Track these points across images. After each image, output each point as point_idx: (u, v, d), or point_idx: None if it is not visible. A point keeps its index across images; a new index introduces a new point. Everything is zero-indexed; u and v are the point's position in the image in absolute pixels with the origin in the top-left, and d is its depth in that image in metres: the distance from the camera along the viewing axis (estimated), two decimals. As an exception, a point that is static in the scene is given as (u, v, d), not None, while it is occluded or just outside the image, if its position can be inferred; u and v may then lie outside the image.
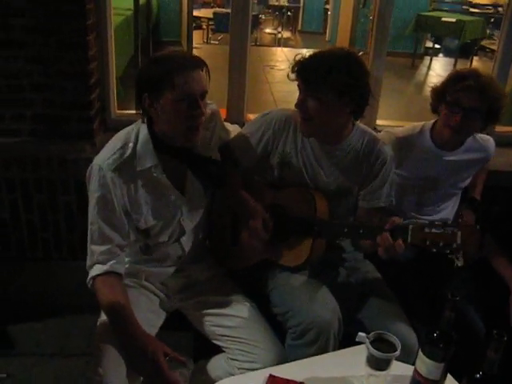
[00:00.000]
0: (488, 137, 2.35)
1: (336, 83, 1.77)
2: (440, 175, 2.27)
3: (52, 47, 2.42)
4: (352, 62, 1.82)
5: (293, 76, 1.87)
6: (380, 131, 2.51)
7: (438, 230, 1.59)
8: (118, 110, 2.84)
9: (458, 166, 2.27)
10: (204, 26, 10.02)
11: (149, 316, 1.88)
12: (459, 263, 1.59)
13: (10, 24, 2.37)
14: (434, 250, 1.60)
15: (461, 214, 2.33)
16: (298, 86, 1.87)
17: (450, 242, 1.57)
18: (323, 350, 1.76)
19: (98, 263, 1.78)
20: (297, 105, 1.88)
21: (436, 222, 1.62)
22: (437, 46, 9.73)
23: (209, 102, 1.86)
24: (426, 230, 1.61)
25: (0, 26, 2.37)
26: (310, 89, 1.82)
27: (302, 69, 1.84)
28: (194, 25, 9.03)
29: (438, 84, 2.18)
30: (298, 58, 1.87)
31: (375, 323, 1.85)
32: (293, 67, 1.87)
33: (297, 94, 1.90)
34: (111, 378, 1.61)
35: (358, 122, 2.01)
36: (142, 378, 1.69)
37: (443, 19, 8.31)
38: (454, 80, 2.11)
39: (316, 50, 1.90)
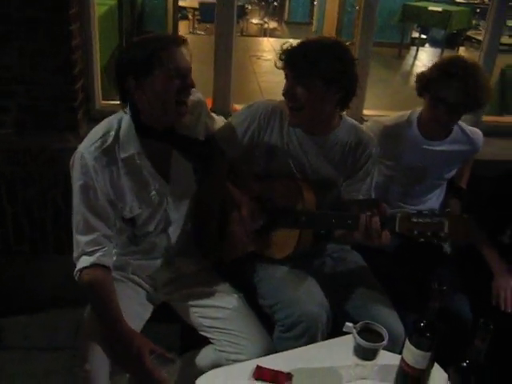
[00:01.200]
0: (476, 129, 2.36)
1: (324, 70, 1.77)
2: (427, 166, 2.28)
3: (34, 38, 2.38)
4: (340, 50, 1.83)
5: (280, 64, 1.86)
6: (367, 121, 2.52)
7: (426, 220, 1.60)
8: (103, 100, 2.81)
9: (445, 157, 2.28)
10: (190, 17, 9.97)
11: (136, 309, 1.87)
12: (447, 250, 1.60)
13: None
14: (422, 240, 1.61)
15: (447, 204, 2.35)
16: (286, 74, 1.86)
17: (437, 231, 1.58)
18: (311, 343, 1.75)
19: (85, 254, 1.76)
20: (285, 93, 1.87)
21: (423, 212, 1.62)
22: (423, 36, 9.75)
23: (194, 90, 1.85)
24: (414, 219, 1.62)
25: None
26: (298, 76, 1.81)
27: (290, 56, 1.83)
28: (179, 15, 9.03)
29: (425, 72, 2.18)
30: (285, 46, 1.86)
31: (362, 313, 1.86)
32: (280, 55, 1.86)
33: (283, 84, 1.89)
34: (98, 373, 1.60)
35: (344, 113, 2.02)
36: (127, 375, 1.68)
37: (430, 8, 8.32)
38: (438, 74, 2.10)
39: (304, 39, 1.89)
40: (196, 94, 1.95)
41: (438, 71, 2.11)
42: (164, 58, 1.70)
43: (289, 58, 1.84)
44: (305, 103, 1.83)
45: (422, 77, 2.18)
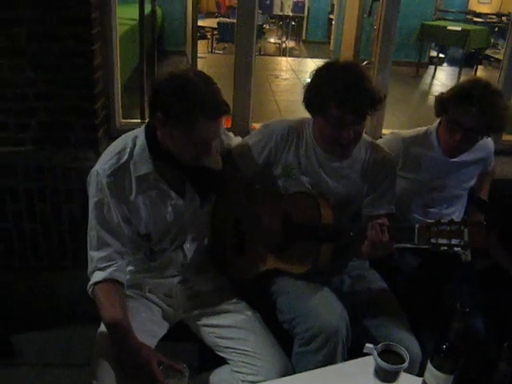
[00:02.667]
0: (488, 138, 2.34)
1: (371, 99, 1.81)
2: (445, 176, 2.29)
3: (57, 56, 2.42)
4: (367, 78, 1.86)
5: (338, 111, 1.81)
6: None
7: (445, 228, 1.59)
8: (123, 119, 2.84)
9: (462, 166, 2.30)
10: (208, 36, 10.06)
11: (149, 327, 1.86)
12: (467, 258, 1.59)
13: (15, 32, 2.37)
14: (442, 249, 1.60)
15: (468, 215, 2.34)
16: (338, 118, 1.82)
17: (457, 239, 1.57)
18: (331, 357, 1.75)
19: (98, 270, 1.78)
20: (345, 138, 1.85)
21: (442, 221, 1.61)
22: (441, 55, 9.74)
23: None
24: (433, 228, 1.61)
25: (5, 35, 2.37)
26: (362, 118, 1.84)
27: (354, 103, 1.78)
28: (198, 35, 9.13)
29: (443, 94, 2.18)
30: (329, 91, 1.80)
31: (379, 332, 1.86)
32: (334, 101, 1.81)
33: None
34: None
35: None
36: None
37: (448, 28, 8.32)
38: (457, 98, 2.10)
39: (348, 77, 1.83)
40: None
41: (457, 95, 2.11)
42: (197, 126, 1.67)
43: (355, 109, 1.80)
44: (359, 136, 1.90)
45: (440, 99, 2.19)
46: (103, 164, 1.78)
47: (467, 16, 10.54)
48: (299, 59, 10.37)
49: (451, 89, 2.17)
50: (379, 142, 2.21)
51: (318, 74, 1.89)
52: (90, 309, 1.79)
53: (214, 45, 10.04)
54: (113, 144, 1.87)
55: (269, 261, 1.98)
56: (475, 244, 1.57)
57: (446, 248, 1.59)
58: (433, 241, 1.60)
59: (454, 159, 2.27)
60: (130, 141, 1.82)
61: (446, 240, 1.58)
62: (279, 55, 10.71)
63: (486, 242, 1.57)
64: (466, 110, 2.05)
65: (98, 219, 1.78)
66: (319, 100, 1.84)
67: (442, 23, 8.87)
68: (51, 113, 2.52)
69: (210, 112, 1.67)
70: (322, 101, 1.83)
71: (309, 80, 1.92)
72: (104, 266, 1.77)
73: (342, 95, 1.77)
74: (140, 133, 1.83)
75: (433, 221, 1.64)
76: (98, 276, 1.77)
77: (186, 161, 1.79)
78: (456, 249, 1.58)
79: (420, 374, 1.61)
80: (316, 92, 1.86)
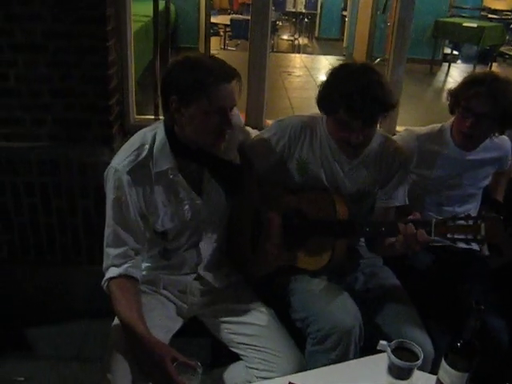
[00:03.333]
0: (503, 136, 2.34)
1: (384, 108, 1.81)
2: (460, 174, 2.28)
3: (72, 52, 2.44)
4: (386, 81, 1.85)
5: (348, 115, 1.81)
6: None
7: (461, 223, 1.58)
8: (137, 115, 2.85)
9: (477, 165, 2.29)
10: (221, 33, 10.06)
11: (163, 322, 1.87)
12: (485, 252, 1.58)
13: (31, 28, 2.39)
14: (458, 244, 1.59)
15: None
16: (347, 123, 1.82)
17: (474, 234, 1.56)
18: (344, 356, 1.75)
19: (113, 266, 1.78)
20: (354, 141, 1.85)
21: (459, 215, 1.61)
22: (455, 52, 9.66)
23: None
24: (450, 223, 1.61)
25: (21, 31, 2.39)
26: (371, 124, 1.85)
27: (363, 108, 1.76)
28: (211, 31, 9.13)
29: (455, 87, 2.18)
30: (338, 94, 1.80)
31: (391, 329, 1.85)
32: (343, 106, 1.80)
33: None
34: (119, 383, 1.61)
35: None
36: None
37: (464, 25, 8.24)
38: (467, 85, 2.12)
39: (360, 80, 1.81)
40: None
41: (467, 81, 2.13)
42: (211, 93, 1.68)
43: (364, 115, 1.79)
44: (370, 137, 1.90)
45: (452, 91, 2.19)
46: (122, 160, 1.78)
47: (482, 13, 10.43)
48: (312, 56, 10.32)
49: (461, 81, 2.18)
50: (393, 138, 2.20)
51: (332, 74, 1.88)
52: (103, 304, 1.80)
53: (227, 41, 10.04)
54: (130, 140, 1.86)
55: (283, 257, 1.98)
56: (492, 239, 1.57)
57: (462, 243, 1.58)
58: (449, 235, 1.60)
59: (469, 157, 2.25)
60: (150, 137, 1.82)
61: (463, 235, 1.58)
62: (292, 52, 10.68)
63: (503, 237, 1.56)
64: (475, 92, 2.05)
65: (116, 216, 1.78)
66: (329, 102, 1.85)
67: (456, 20, 8.78)
68: (66, 109, 2.54)
69: (220, 76, 1.69)
70: (331, 103, 1.83)
71: (324, 78, 1.92)
72: (120, 262, 1.78)
73: (351, 101, 1.75)
74: (159, 128, 1.83)
75: (449, 216, 1.63)
76: (113, 272, 1.77)
77: (208, 145, 1.79)
78: (472, 243, 1.57)
79: (432, 371, 1.62)
80: (327, 94, 1.86)
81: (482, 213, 1.62)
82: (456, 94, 2.16)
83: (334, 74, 1.88)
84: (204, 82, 1.67)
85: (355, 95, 1.74)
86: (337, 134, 1.91)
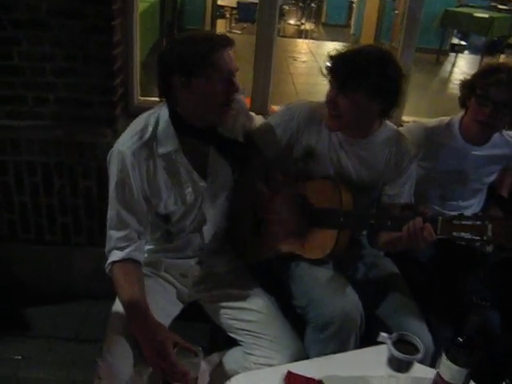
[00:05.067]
0: None
1: (370, 84, 1.75)
2: (466, 169, 2.26)
3: (77, 31, 2.41)
4: (389, 64, 1.80)
5: (326, 71, 1.84)
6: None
7: (468, 222, 1.57)
8: (141, 96, 2.82)
9: (485, 161, 2.26)
10: (227, 15, 9.99)
11: (164, 306, 1.86)
12: (489, 250, 1.56)
13: (35, 5, 2.35)
14: (464, 243, 1.58)
15: (488, 211, 2.31)
16: (330, 81, 1.85)
17: (480, 234, 1.55)
18: (344, 345, 1.74)
19: (116, 249, 1.77)
20: (328, 101, 1.85)
21: (465, 215, 1.60)
22: (462, 42, 9.60)
23: None
24: (455, 222, 1.59)
25: (26, 7, 2.36)
26: (342, 86, 1.79)
27: (337, 66, 1.81)
28: (217, 13, 9.06)
29: (468, 77, 2.16)
30: (332, 53, 1.84)
31: (391, 321, 1.85)
32: (328, 62, 1.84)
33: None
34: (119, 366, 1.61)
35: None
36: (150, 369, 1.68)
37: (475, 15, 8.17)
38: (484, 73, 2.09)
39: (352, 47, 1.87)
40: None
41: (485, 70, 2.10)
42: (215, 60, 1.68)
43: (336, 69, 1.81)
44: (345, 112, 1.83)
45: (466, 80, 2.16)
46: (125, 142, 1.77)
47: (492, 3, 10.34)
48: (318, 42, 10.25)
49: (476, 71, 2.16)
50: (401, 129, 2.17)
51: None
52: (103, 285, 1.80)
53: (233, 24, 9.97)
54: (133, 122, 1.85)
55: (286, 244, 1.97)
56: (500, 241, 1.54)
57: (466, 242, 1.57)
58: (455, 234, 1.59)
59: (477, 152, 2.22)
60: (153, 118, 1.81)
61: (469, 234, 1.56)
62: (298, 37, 10.61)
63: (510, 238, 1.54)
64: (495, 79, 2.02)
65: (119, 199, 1.78)
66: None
67: (466, 10, 8.72)
68: (69, 88, 2.52)
69: (218, 42, 1.71)
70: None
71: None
72: (123, 245, 1.77)
73: (333, 58, 1.82)
74: (162, 110, 1.81)
75: (456, 214, 1.62)
76: (116, 255, 1.77)
77: (216, 116, 1.79)
78: (477, 244, 1.56)
79: (432, 365, 1.61)
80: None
81: (490, 213, 1.60)
82: (471, 84, 2.12)
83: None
84: (205, 51, 1.68)
85: (340, 56, 1.82)
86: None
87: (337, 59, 1.82)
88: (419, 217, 1.68)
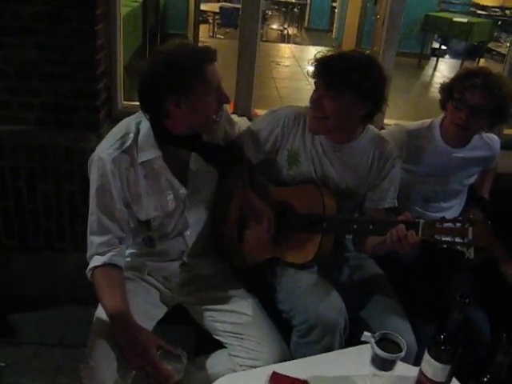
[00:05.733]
0: (493, 135, 2.36)
1: (356, 86, 1.77)
2: (447, 171, 2.28)
3: (61, 36, 2.40)
4: (374, 68, 1.82)
5: (311, 73, 1.86)
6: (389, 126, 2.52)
7: (449, 226, 1.60)
8: (125, 101, 2.82)
9: (465, 163, 2.29)
10: (210, 20, 10.00)
11: (147, 309, 1.86)
12: (470, 256, 1.59)
13: (20, 11, 2.35)
14: (445, 246, 1.61)
15: (468, 213, 2.33)
16: (315, 83, 1.86)
17: (461, 237, 1.58)
18: (329, 349, 1.75)
19: (97, 254, 1.77)
20: (312, 102, 1.86)
21: (447, 218, 1.62)
22: (443, 47, 9.71)
23: None
24: (437, 225, 1.62)
25: (10, 14, 2.35)
26: (328, 88, 1.81)
27: (323, 67, 1.83)
28: (200, 18, 9.06)
29: (447, 80, 2.19)
30: (318, 55, 1.86)
31: (375, 321, 1.87)
32: (313, 63, 1.85)
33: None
34: (102, 371, 1.61)
35: None
36: (134, 372, 1.68)
37: (454, 19, 8.28)
38: (462, 77, 2.12)
39: (338, 51, 1.90)
40: None
41: (462, 74, 2.14)
42: (207, 77, 1.69)
43: (322, 70, 1.83)
44: (330, 115, 1.84)
45: (445, 84, 2.20)
46: (106, 149, 1.76)
47: (471, 8, 10.48)
48: (301, 46, 10.32)
49: (454, 74, 2.19)
50: (382, 132, 2.20)
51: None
52: (87, 291, 1.78)
53: (216, 29, 9.98)
54: (114, 128, 1.85)
55: (269, 250, 1.98)
56: (479, 243, 1.57)
57: (447, 246, 1.60)
58: (437, 237, 1.62)
59: (457, 154, 2.25)
60: (134, 125, 1.80)
61: (450, 237, 1.59)
62: (281, 42, 10.66)
63: (491, 241, 1.58)
64: (471, 83, 2.04)
65: (100, 205, 1.77)
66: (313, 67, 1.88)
67: (446, 15, 8.83)
68: (54, 93, 2.51)
69: (207, 56, 1.72)
70: (314, 69, 1.87)
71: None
72: (104, 251, 1.77)
73: (319, 59, 1.84)
74: (144, 117, 1.80)
75: (437, 218, 1.65)
76: (97, 260, 1.76)
77: (208, 125, 1.80)
78: (459, 247, 1.58)
79: (415, 363, 1.63)
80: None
81: (471, 216, 1.62)
82: (449, 88, 2.15)
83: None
84: (196, 69, 1.67)
85: (327, 56, 1.84)
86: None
87: (324, 60, 1.84)
88: (402, 224, 1.71)
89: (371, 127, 2.03)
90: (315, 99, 1.85)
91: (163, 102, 1.70)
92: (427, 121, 2.32)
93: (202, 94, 1.70)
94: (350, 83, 1.77)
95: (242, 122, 2.16)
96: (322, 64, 1.83)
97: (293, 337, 1.85)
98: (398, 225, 1.71)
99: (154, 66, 1.70)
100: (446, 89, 2.17)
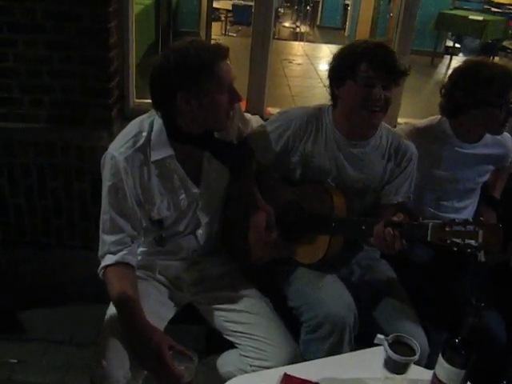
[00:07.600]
0: (506, 133, 2.32)
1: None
2: (458, 167, 2.25)
3: (73, 33, 2.41)
4: None
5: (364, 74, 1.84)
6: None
7: (459, 229, 1.57)
8: (137, 99, 2.82)
9: (477, 160, 2.27)
10: (222, 18, 10.00)
11: (158, 308, 1.86)
12: (481, 259, 1.56)
13: (31, 8, 2.35)
14: (455, 249, 1.58)
15: (481, 214, 2.31)
16: (369, 77, 1.83)
17: (470, 240, 1.54)
18: (338, 346, 1.75)
19: (110, 253, 1.76)
20: (376, 99, 1.84)
21: (457, 221, 1.59)
22: (457, 45, 9.63)
23: None
24: (447, 228, 1.59)
25: (21, 10, 2.35)
26: (391, 80, 1.83)
27: (385, 60, 1.82)
28: (212, 16, 9.07)
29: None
30: (359, 50, 1.85)
31: (386, 323, 1.85)
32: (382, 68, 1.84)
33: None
34: (114, 370, 1.59)
35: None
36: (146, 372, 1.67)
37: (470, 17, 8.21)
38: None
39: (376, 41, 1.91)
40: None
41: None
42: (219, 75, 1.68)
43: (385, 63, 1.82)
44: (388, 105, 1.87)
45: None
46: (119, 147, 1.75)
47: (485, 6, 10.39)
48: (313, 44, 10.29)
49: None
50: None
51: (343, 47, 1.94)
52: (97, 289, 1.79)
53: (228, 27, 9.97)
54: (128, 127, 1.84)
55: (278, 249, 1.97)
56: (489, 246, 1.54)
57: (457, 248, 1.57)
58: (447, 240, 1.59)
59: (470, 151, 2.23)
60: (147, 124, 1.80)
61: (460, 240, 1.56)
62: (293, 40, 10.63)
63: (502, 245, 1.54)
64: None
65: (112, 203, 1.76)
66: (350, 61, 1.85)
67: (460, 12, 8.76)
68: (65, 90, 2.51)
69: (218, 55, 1.70)
70: (352, 61, 1.84)
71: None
72: (116, 249, 1.76)
73: (373, 53, 1.81)
74: (156, 116, 1.79)
75: (447, 220, 1.61)
76: (109, 259, 1.75)
77: (220, 123, 1.79)
78: (469, 250, 1.56)
79: (427, 367, 1.61)
80: (347, 53, 1.88)
81: (481, 219, 1.60)
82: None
83: (349, 44, 1.92)
84: (208, 63, 1.66)
85: (376, 48, 1.83)
86: (357, 97, 1.86)
87: (380, 54, 1.83)
88: (389, 228, 1.70)
89: (383, 123, 2.02)
90: (378, 93, 1.83)
91: (173, 98, 1.69)
92: (437, 117, 2.29)
93: (212, 91, 1.69)
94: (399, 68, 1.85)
95: (253, 121, 2.14)
96: (383, 57, 1.83)
97: (302, 334, 1.84)
98: (386, 228, 1.70)
99: (165, 62, 1.69)
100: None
